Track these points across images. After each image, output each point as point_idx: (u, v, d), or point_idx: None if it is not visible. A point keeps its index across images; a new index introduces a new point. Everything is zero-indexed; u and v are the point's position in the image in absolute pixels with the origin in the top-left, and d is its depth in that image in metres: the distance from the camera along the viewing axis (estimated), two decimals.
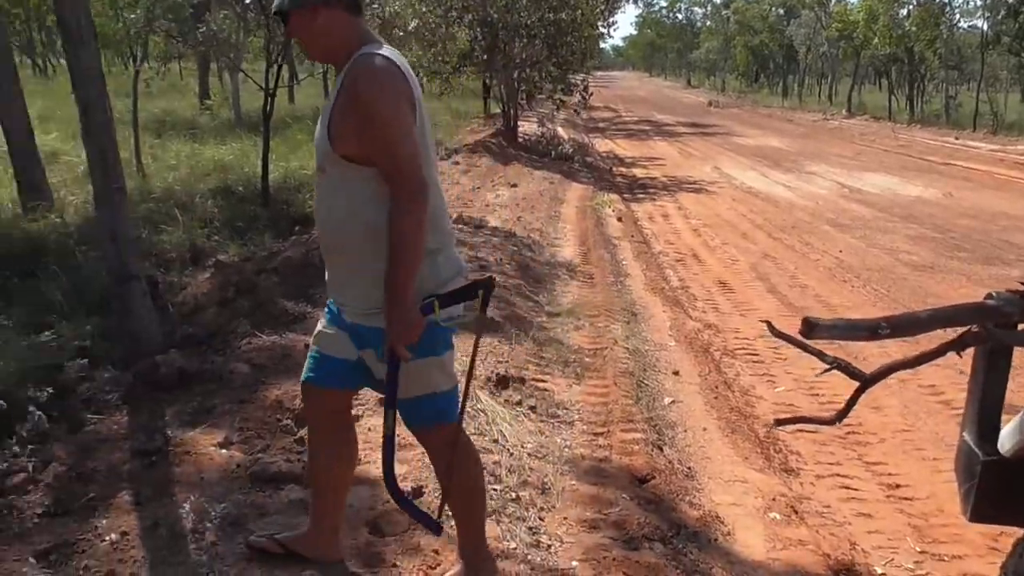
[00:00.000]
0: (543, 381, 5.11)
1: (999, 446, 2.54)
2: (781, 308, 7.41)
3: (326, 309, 2.72)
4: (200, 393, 4.27)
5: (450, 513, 2.85)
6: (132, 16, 11.12)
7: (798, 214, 12.43)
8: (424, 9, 16.17)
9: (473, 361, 2.71)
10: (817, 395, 5.47)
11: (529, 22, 17.93)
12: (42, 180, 7.57)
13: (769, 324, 2.86)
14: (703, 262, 9.38)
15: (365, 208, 2.39)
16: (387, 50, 2.43)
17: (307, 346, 5.00)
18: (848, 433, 4.86)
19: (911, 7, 35.99)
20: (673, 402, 5.14)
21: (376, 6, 10.84)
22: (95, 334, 4.72)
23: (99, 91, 4.33)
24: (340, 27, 2.43)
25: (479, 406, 4.37)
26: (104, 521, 3.08)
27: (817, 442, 4.82)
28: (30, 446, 3.56)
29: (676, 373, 5.66)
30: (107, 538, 2.96)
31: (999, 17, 31.81)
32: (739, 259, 9.40)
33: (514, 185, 12.64)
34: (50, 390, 3.94)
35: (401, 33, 12.03)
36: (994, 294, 2.46)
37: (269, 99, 9.84)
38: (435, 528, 2.69)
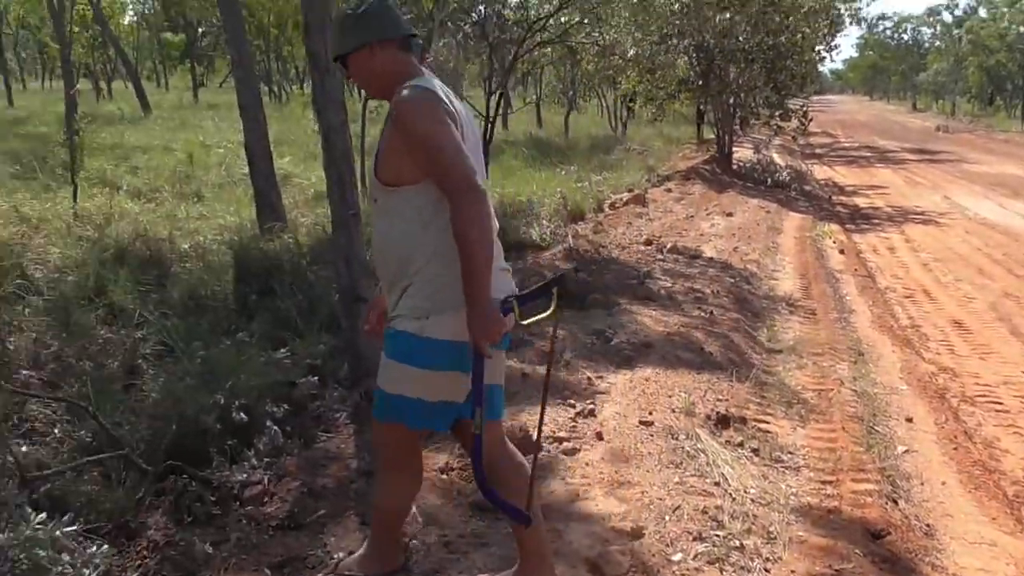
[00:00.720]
0: (765, 422, 4.88)
1: None
2: None
3: None
4: None
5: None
6: None
7: None
8: (640, 36, 16.12)
9: (551, 355, 2.95)
10: None
11: (747, 47, 17.50)
12: (277, 202, 8.02)
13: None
14: (935, 299, 8.74)
15: (405, 227, 2.56)
16: (425, 81, 2.56)
17: (526, 372, 5.04)
18: None
19: None
20: (907, 451, 4.77)
21: (596, 34, 10.90)
22: (325, 352, 4.92)
23: (341, 119, 4.54)
24: (393, 64, 2.61)
25: (699, 445, 4.23)
26: (332, 539, 3.18)
27: None
28: (266, 459, 3.73)
29: (909, 420, 5.26)
30: (336, 556, 3.05)
31: None
32: (975, 297, 8.70)
33: (729, 214, 12.32)
34: (286, 406, 4.12)
35: (620, 60, 12.04)
36: None
37: (489, 126, 10.08)
38: (524, 519, 2.70)
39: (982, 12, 64.01)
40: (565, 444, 4.14)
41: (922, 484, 4.39)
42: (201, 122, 20.93)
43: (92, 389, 4.11)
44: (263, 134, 7.96)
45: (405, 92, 2.49)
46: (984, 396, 5.91)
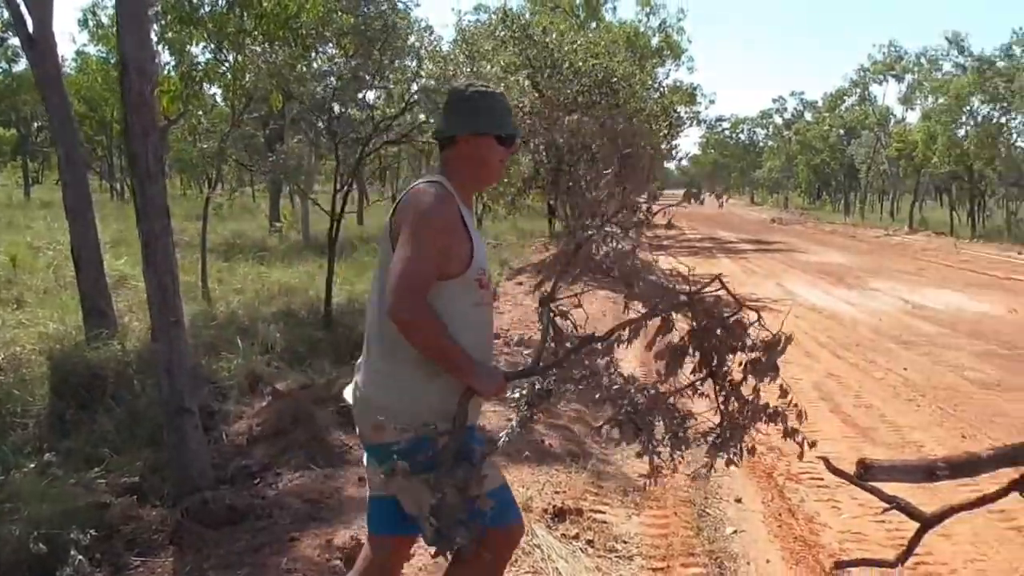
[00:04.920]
0: (601, 512, 4.94)
1: None
2: (845, 429, 7.13)
3: None
4: (249, 530, 4.19)
5: None
6: (205, 146, 11.55)
7: (862, 331, 12.11)
8: None
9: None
10: (884, 522, 5.13)
11: (594, 145, 18.24)
12: (107, 306, 7.64)
13: (826, 461, 2.74)
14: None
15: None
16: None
17: (361, 479, 4.95)
18: (918, 563, 4.54)
19: (968, 128, 36.23)
20: (736, 532, 4.93)
21: None
22: (146, 468, 4.69)
23: (163, 226, 4.42)
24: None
25: (534, 541, 4.23)
26: None
27: (886, 574, 4.53)
28: None
29: (739, 500, 5.44)
30: None
31: None
32: (802, 378, 9.11)
33: (579, 305, 12.56)
34: (93, 531, 3.83)
35: None
36: None
37: (335, 223, 10.06)
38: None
39: (808, 116, 69.19)
40: None
41: (748, 563, 4.52)
42: (32, 222, 19.91)
43: None
44: (92, 237, 7.65)
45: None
46: (807, 473, 6.14)
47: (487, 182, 2.86)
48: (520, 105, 16.62)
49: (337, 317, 9.88)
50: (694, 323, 2.52)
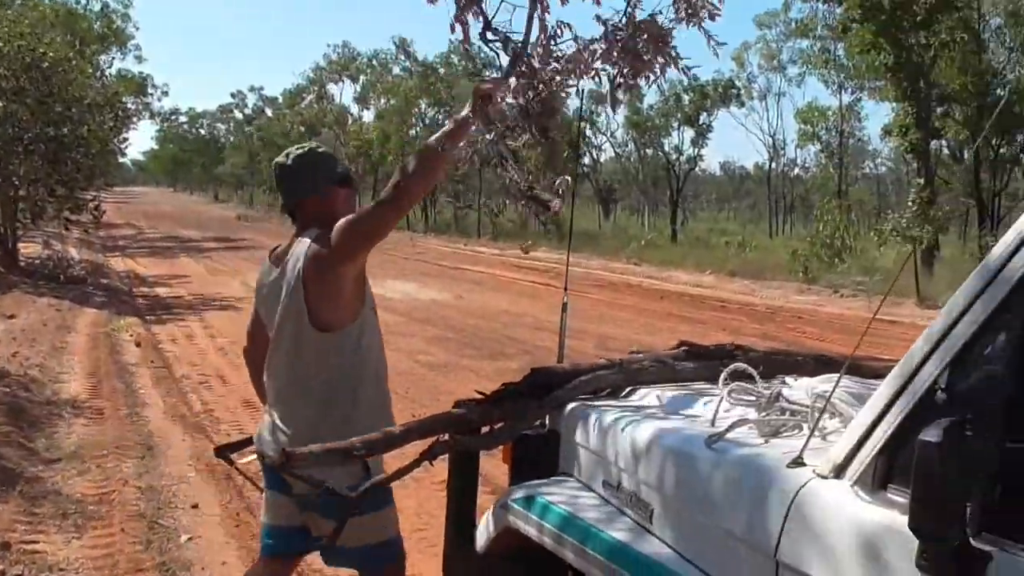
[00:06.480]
0: (34, 543, 4.49)
1: (476, 544, 2.69)
2: None
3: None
4: None
5: None
6: None
7: None
8: None
9: None
10: None
11: (27, 137, 16.46)
12: None
13: (216, 450, 2.88)
14: (229, 383, 9.03)
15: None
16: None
17: None
18: None
19: (418, 128, 40.15)
20: (191, 539, 4.80)
21: None
22: None
23: None
24: None
25: None
26: None
27: None
28: None
29: (195, 506, 5.30)
30: None
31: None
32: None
33: (11, 316, 11.29)
34: None
35: None
36: (460, 403, 2.60)
37: None
38: None
39: (268, 112, 70.18)
40: None
41: (203, 568, 4.45)
42: None
43: None
44: None
45: None
46: None
47: None
48: None
49: None
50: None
